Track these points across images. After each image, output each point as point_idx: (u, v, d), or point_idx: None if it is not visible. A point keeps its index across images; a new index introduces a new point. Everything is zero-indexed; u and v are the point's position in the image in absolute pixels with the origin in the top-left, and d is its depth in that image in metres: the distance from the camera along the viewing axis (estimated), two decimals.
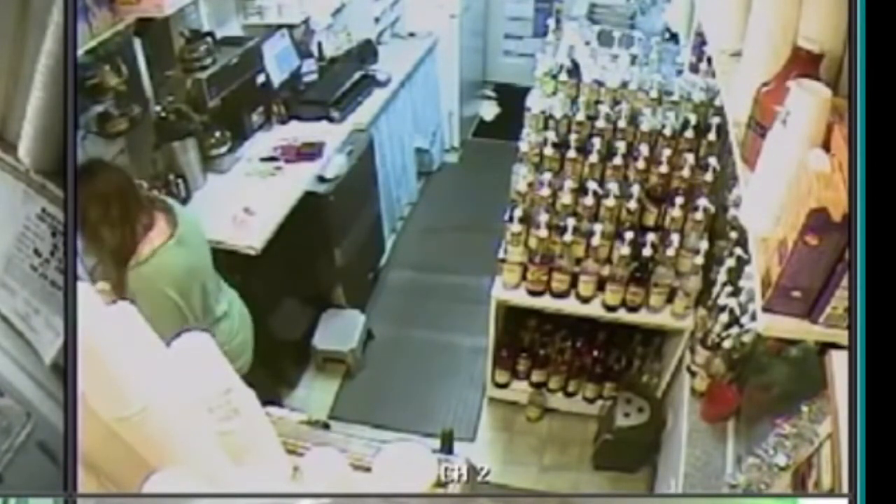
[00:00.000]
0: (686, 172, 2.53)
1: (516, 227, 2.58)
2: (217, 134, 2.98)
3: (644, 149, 2.58)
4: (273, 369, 3.19)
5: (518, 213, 2.57)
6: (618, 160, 2.57)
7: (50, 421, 1.23)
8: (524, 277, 2.66)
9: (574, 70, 2.80)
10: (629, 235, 2.47)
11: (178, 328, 2.01)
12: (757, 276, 1.22)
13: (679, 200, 2.51)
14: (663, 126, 2.60)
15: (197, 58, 2.77)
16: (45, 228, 1.28)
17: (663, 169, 2.55)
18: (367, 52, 3.92)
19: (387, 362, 3.45)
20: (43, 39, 1.15)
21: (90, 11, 2.27)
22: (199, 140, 2.86)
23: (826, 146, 1.14)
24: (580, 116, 2.68)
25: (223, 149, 3.00)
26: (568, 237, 2.49)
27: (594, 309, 2.68)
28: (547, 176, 2.59)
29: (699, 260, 2.47)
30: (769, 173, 1.24)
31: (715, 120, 2.55)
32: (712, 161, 2.53)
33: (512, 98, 4.26)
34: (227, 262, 2.71)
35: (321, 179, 3.10)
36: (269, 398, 2.29)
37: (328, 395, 3.30)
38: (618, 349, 3.02)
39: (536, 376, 3.10)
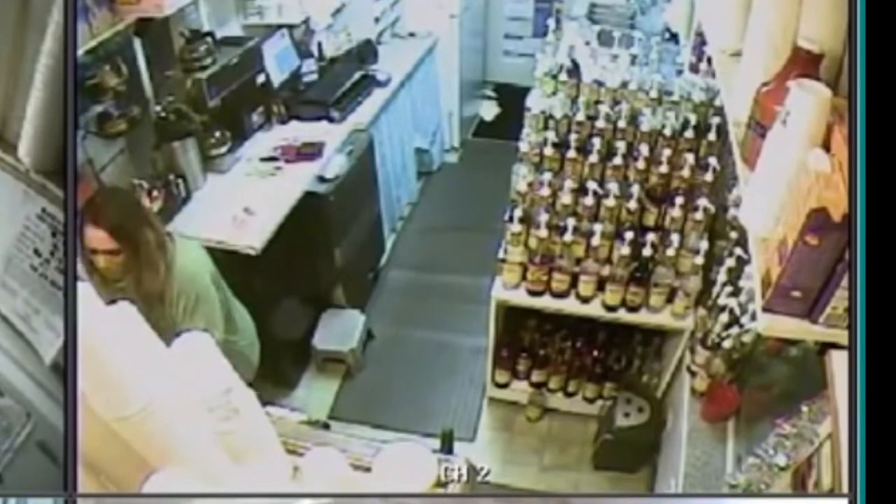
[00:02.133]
0: (686, 172, 2.53)
1: (516, 227, 2.57)
2: (217, 134, 2.98)
3: (644, 149, 2.58)
4: (273, 369, 3.18)
5: (518, 213, 2.57)
6: (618, 160, 2.57)
7: (50, 421, 1.24)
8: (524, 277, 2.66)
9: (574, 70, 2.80)
10: (629, 235, 2.47)
11: (222, 320, 2.07)
12: (757, 276, 1.22)
13: (679, 200, 2.51)
14: (663, 126, 2.60)
15: (197, 58, 2.76)
16: (45, 228, 1.28)
17: (663, 169, 2.54)
18: (367, 52, 3.91)
19: (387, 362, 3.44)
20: (43, 39, 1.15)
21: (90, 11, 2.28)
22: (199, 140, 2.86)
23: (826, 146, 1.14)
24: (580, 116, 2.68)
25: (223, 149, 3.00)
26: (568, 237, 2.49)
27: (594, 309, 2.68)
28: (547, 176, 2.59)
29: (699, 260, 2.47)
30: (769, 173, 1.24)
31: (715, 120, 2.55)
32: (712, 161, 2.52)
33: (512, 98, 4.26)
34: (227, 262, 2.71)
35: (321, 179, 3.10)
36: (269, 398, 2.31)
37: (328, 395, 3.30)
38: (618, 349, 3.02)
39: (536, 376, 3.10)
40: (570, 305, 2.70)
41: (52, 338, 1.25)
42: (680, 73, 2.77)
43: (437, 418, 3.09)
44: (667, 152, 2.55)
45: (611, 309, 2.65)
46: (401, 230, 4.29)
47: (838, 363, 1.17)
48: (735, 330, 2.21)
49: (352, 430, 2.87)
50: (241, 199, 2.81)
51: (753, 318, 1.98)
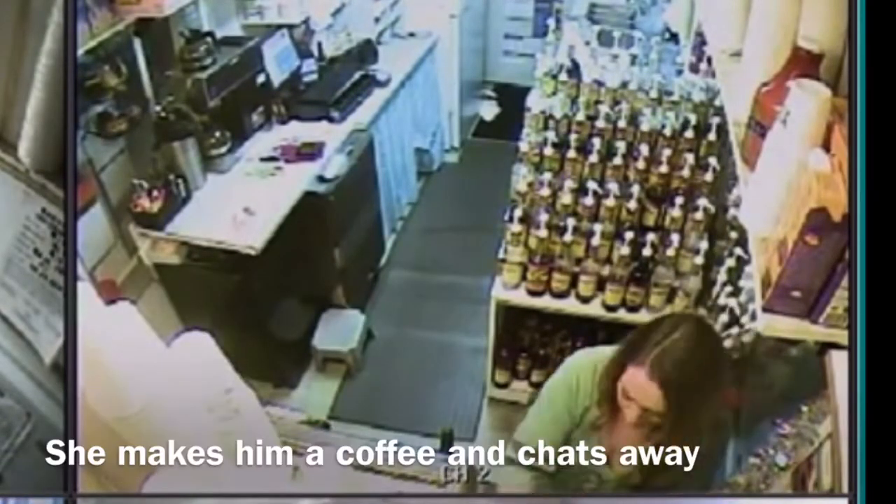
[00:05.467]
0: (686, 172, 2.53)
1: (516, 227, 2.57)
2: (217, 134, 2.97)
3: (644, 149, 2.58)
4: (273, 369, 3.18)
5: (518, 213, 2.57)
6: (618, 160, 2.57)
7: (50, 421, 1.23)
8: (524, 277, 2.66)
9: (574, 70, 2.81)
10: (629, 235, 2.47)
11: None
12: (757, 276, 1.22)
13: (679, 200, 2.51)
14: (663, 126, 2.60)
15: (197, 58, 2.76)
16: (45, 228, 1.28)
17: (663, 169, 2.55)
18: (367, 52, 3.91)
19: (387, 362, 3.44)
20: (43, 39, 1.15)
21: (90, 11, 2.28)
22: (199, 140, 2.86)
23: (826, 146, 1.14)
24: (580, 116, 2.68)
25: (223, 149, 3.00)
26: (568, 237, 2.49)
27: (594, 309, 2.68)
28: (547, 176, 2.59)
29: (699, 260, 2.47)
30: (769, 173, 1.24)
31: (715, 120, 2.55)
32: (712, 161, 2.53)
33: (512, 98, 4.26)
34: (227, 262, 2.71)
35: (321, 179, 3.10)
36: (269, 398, 2.30)
37: (328, 395, 3.30)
38: None
39: (536, 376, 3.10)
40: (570, 305, 2.69)
41: (52, 338, 1.25)
42: (680, 73, 2.78)
43: (437, 418, 3.09)
44: (667, 152, 2.56)
45: (611, 309, 2.65)
46: (401, 230, 4.29)
47: (838, 363, 1.17)
48: (735, 330, 2.20)
49: (352, 430, 2.87)
50: (241, 199, 2.80)
51: (753, 318, 1.97)
